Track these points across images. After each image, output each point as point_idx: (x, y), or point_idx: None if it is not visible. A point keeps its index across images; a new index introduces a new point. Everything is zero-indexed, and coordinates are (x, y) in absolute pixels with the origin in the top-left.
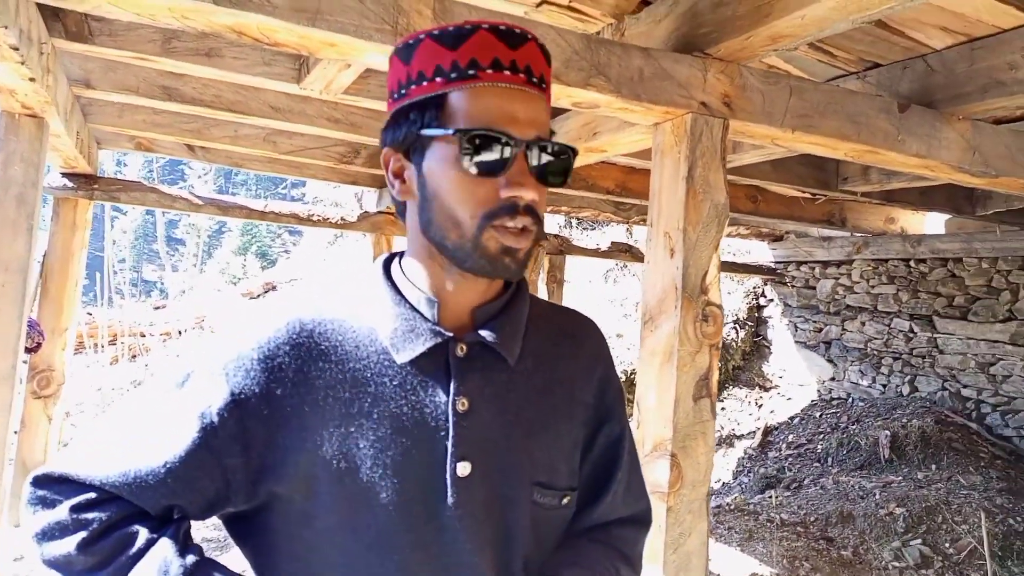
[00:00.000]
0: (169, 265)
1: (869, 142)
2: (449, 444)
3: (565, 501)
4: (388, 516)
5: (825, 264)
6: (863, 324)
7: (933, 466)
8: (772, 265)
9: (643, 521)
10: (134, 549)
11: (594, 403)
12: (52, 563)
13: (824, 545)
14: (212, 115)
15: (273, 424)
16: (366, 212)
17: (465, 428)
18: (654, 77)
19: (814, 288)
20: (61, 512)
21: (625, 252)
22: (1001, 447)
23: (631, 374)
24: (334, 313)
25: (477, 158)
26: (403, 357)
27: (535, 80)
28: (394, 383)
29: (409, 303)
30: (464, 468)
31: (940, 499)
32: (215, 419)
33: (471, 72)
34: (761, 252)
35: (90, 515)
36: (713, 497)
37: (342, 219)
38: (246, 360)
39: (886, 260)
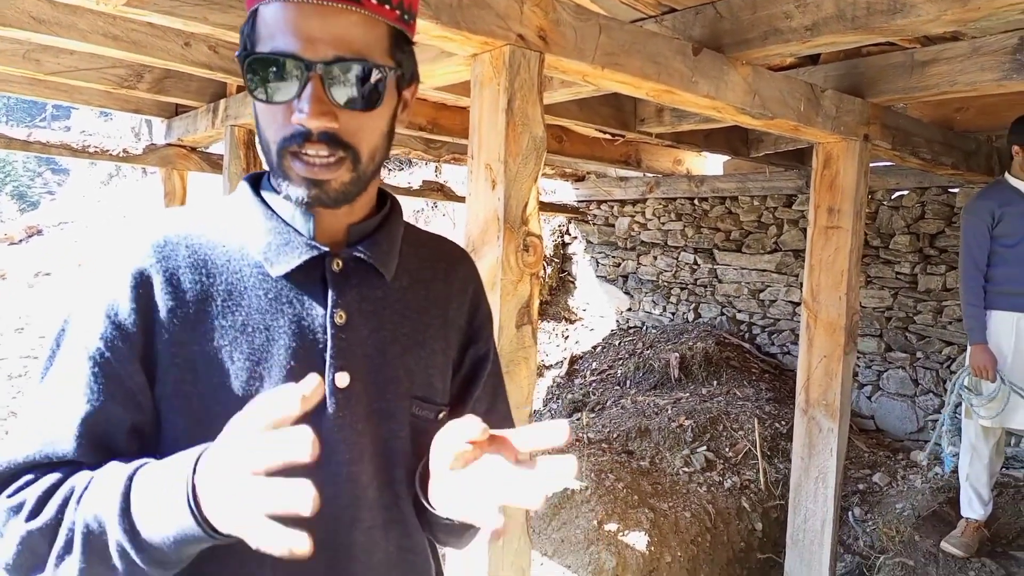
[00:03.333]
0: None
1: (668, 82)
2: (328, 355)
3: (441, 416)
4: None
5: (623, 203)
6: (655, 258)
7: (715, 382)
8: (576, 204)
9: None
10: (69, 486)
11: (465, 326)
12: (16, 558)
13: (626, 458)
14: None
15: (148, 337)
16: (153, 144)
17: (343, 340)
18: (473, 5)
19: (613, 226)
20: None
21: (437, 191)
22: (768, 363)
23: None
24: (202, 228)
25: (265, 84)
26: (278, 270)
27: None
28: (269, 296)
29: (282, 219)
30: (343, 379)
31: (721, 410)
32: (102, 347)
33: None
34: (565, 192)
35: (23, 491)
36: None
37: (125, 151)
38: (113, 283)
39: (674, 199)
